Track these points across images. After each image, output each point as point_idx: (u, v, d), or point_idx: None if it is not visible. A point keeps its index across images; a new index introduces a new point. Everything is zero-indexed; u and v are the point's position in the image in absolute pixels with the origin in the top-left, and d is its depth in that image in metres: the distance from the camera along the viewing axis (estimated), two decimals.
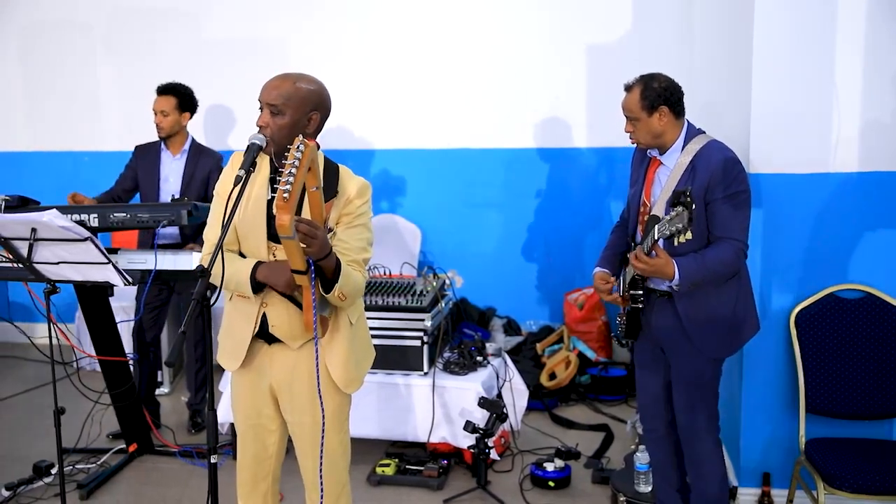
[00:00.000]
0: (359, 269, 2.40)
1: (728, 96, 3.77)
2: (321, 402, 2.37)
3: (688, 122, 2.85)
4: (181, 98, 4.26)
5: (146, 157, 4.32)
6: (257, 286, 2.35)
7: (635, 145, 2.89)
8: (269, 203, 2.38)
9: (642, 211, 2.90)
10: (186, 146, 4.30)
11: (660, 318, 2.87)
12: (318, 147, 2.33)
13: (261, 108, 2.34)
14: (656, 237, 2.59)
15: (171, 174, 4.28)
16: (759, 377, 3.36)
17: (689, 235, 2.45)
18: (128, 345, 4.90)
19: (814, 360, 3.24)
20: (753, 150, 3.25)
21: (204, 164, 4.24)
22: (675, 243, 2.50)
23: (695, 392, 2.87)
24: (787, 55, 3.19)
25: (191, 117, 4.33)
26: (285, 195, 2.04)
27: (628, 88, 2.81)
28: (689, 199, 2.45)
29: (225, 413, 3.82)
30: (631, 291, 2.88)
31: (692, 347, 2.82)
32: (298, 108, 2.31)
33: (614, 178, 5.21)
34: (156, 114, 4.22)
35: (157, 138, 4.29)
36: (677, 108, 2.78)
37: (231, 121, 5.58)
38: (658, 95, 2.74)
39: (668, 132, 2.78)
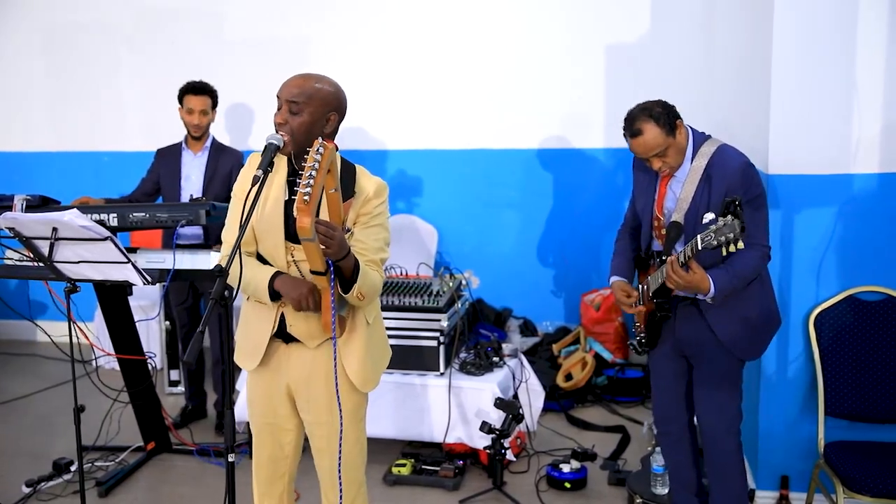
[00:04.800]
0: (376, 268, 2.40)
1: (748, 96, 3.74)
2: (339, 402, 2.38)
3: (690, 127, 2.82)
4: (213, 97, 4.29)
5: (168, 157, 4.34)
6: (275, 294, 2.36)
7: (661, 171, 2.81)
8: (287, 204, 2.38)
9: (656, 225, 2.88)
10: (208, 144, 4.32)
11: (686, 324, 2.86)
12: (337, 149, 2.34)
13: (279, 107, 2.34)
14: (700, 247, 2.51)
15: (193, 172, 4.29)
16: (777, 379, 3.33)
17: (741, 245, 2.42)
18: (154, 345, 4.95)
19: (833, 362, 3.21)
20: (773, 151, 3.23)
21: (225, 162, 4.26)
22: (725, 253, 2.46)
23: (720, 393, 2.87)
24: (807, 55, 3.17)
25: None
26: (305, 198, 2.04)
27: (638, 131, 2.70)
28: (739, 207, 2.40)
29: (242, 411, 3.83)
30: (657, 300, 2.85)
31: (719, 348, 2.81)
32: (318, 108, 2.32)
33: (631, 179, 5.18)
34: (192, 112, 4.21)
35: (190, 136, 4.29)
36: (680, 116, 2.77)
37: (252, 121, 5.61)
38: (668, 114, 2.71)
39: (686, 141, 2.78)
